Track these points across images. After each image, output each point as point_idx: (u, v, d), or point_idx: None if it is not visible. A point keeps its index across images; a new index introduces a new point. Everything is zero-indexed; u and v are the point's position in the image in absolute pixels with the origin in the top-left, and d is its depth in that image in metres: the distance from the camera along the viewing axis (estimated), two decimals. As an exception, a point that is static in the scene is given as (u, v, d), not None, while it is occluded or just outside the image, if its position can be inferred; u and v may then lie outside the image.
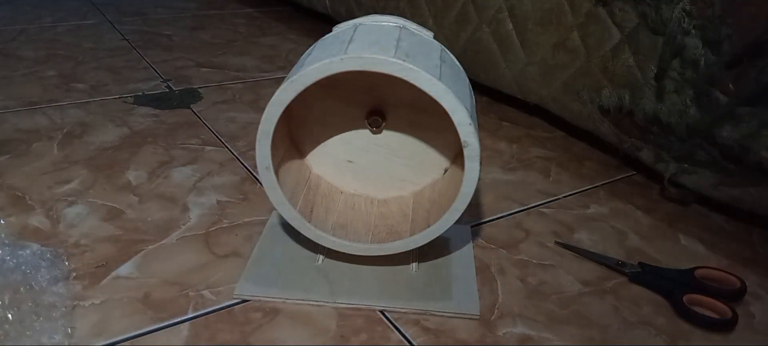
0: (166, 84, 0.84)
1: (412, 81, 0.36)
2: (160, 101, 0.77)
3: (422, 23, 0.79)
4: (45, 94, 0.78)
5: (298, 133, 0.47)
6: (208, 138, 0.67)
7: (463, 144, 0.38)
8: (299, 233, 0.43)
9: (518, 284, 0.45)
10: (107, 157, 0.62)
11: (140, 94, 0.80)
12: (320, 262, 0.45)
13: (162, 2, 1.37)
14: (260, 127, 0.39)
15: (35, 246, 0.45)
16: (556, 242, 0.50)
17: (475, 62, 0.74)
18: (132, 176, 0.58)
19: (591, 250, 0.49)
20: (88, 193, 0.55)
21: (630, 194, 0.60)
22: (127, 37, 1.07)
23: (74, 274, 0.44)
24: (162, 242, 0.48)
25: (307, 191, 0.46)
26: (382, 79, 0.43)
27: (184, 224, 0.50)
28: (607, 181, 0.62)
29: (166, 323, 0.39)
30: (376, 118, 0.46)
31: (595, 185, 0.61)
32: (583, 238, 0.51)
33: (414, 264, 0.45)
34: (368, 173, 0.49)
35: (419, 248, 0.43)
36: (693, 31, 0.49)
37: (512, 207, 0.56)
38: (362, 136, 0.48)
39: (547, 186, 0.60)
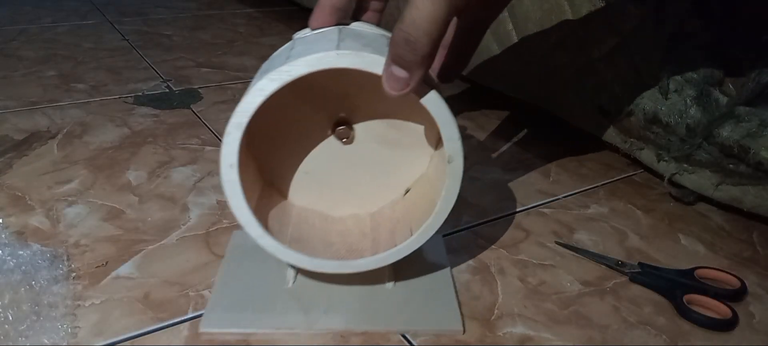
0: (166, 84, 0.84)
1: None
2: (160, 101, 0.77)
3: (422, 23, 0.79)
4: (45, 94, 0.78)
5: (254, 134, 0.42)
6: (208, 138, 0.67)
7: (447, 159, 0.36)
8: (263, 255, 0.39)
9: (518, 284, 0.45)
10: (107, 157, 0.62)
11: (140, 94, 0.80)
12: (291, 285, 0.42)
13: (162, 2, 1.37)
14: (233, 119, 0.35)
15: (35, 246, 0.45)
16: (557, 242, 0.50)
17: (475, 62, 0.74)
18: (132, 175, 0.58)
19: (591, 250, 0.49)
20: (88, 193, 0.55)
21: (630, 194, 0.60)
22: (127, 37, 1.07)
23: (74, 274, 0.44)
24: (162, 242, 0.48)
25: (259, 197, 0.42)
26: (356, 88, 0.40)
27: (184, 224, 0.50)
28: (607, 181, 0.62)
29: (166, 323, 0.39)
30: (345, 128, 0.43)
31: (595, 185, 0.61)
32: (583, 238, 0.51)
33: (390, 283, 0.43)
34: (324, 187, 0.45)
35: (393, 265, 0.41)
36: (693, 31, 0.49)
37: (512, 207, 0.56)
38: (324, 146, 0.44)
39: (547, 186, 0.60)
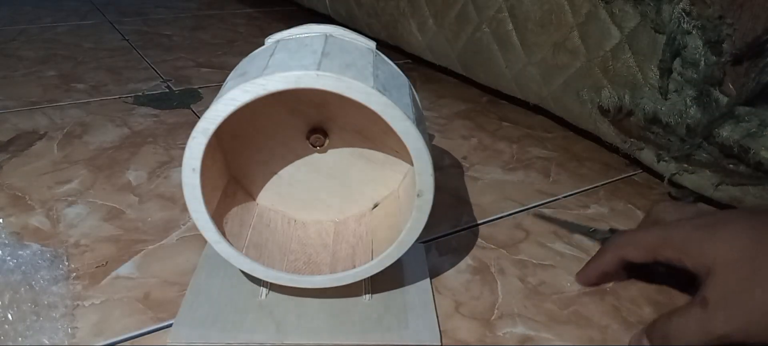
0: (166, 84, 0.84)
1: (387, 119, 0.33)
2: (160, 101, 0.77)
3: (422, 23, 0.79)
4: (45, 94, 0.78)
5: (225, 128, 0.41)
6: (208, 138, 0.67)
7: (417, 193, 0.36)
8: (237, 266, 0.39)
9: (518, 284, 0.45)
10: (107, 157, 0.62)
11: (140, 94, 0.80)
12: (263, 297, 0.41)
13: (162, 2, 1.37)
14: (200, 123, 0.34)
15: (35, 246, 0.45)
16: (534, 214, 0.52)
17: (475, 62, 0.74)
18: (132, 175, 0.58)
19: (564, 219, 0.52)
20: (88, 193, 0.55)
21: (630, 194, 0.60)
22: (127, 37, 1.07)
23: (74, 274, 0.44)
24: (162, 242, 0.48)
25: (223, 196, 0.41)
26: (335, 98, 0.38)
27: (184, 224, 0.50)
28: (607, 181, 0.62)
29: (166, 323, 0.39)
30: (319, 136, 0.43)
31: (595, 185, 0.61)
32: (583, 238, 0.51)
33: (366, 296, 0.41)
34: (291, 189, 0.44)
35: (371, 277, 0.40)
36: (693, 32, 0.49)
37: (512, 207, 0.56)
38: (297, 150, 0.44)
39: (547, 186, 0.60)
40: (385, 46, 0.98)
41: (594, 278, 0.44)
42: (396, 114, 0.33)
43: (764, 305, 0.32)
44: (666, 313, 0.37)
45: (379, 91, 0.33)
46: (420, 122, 0.37)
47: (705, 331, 0.34)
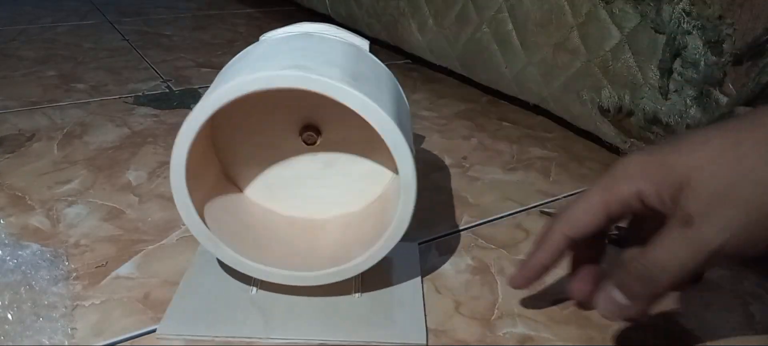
0: (166, 84, 0.84)
1: (364, 115, 0.34)
2: (160, 101, 0.77)
3: (423, 23, 0.79)
4: (45, 94, 0.78)
5: (214, 124, 0.40)
6: (208, 138, 0.67)
7: (401, 181, 0.36)
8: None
9: (518, 284, 0.45)
10: (107, 157, 0.62)
11: (140, 94, 0.80)
12: (253, 293, 0.41)
13: (162, 2, 1.37)
14: (188, 119, 0.34)
15: (35, 246, 0.45)
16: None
17: (476, 62, 0.74)
18: (132, 175, 0.58)
19: None
20: (88, 193, 0.55)
21: (630, 194, 0.59)
22: (127, 37, 1.07)
23: (74, 274, 0.44)
24: (162, 242, 0.48)
25: (212, 191, 0.41)
26: (329, 100, 0.38)
27: (183, 224, 0.50)
28: (607, 181, 0.62)
29: (166, 323, 0.39)
30: (311, 133, 0.43)
31: (595, 185, 0.61)
32: (583, 238, 0.51)
33: (356, 294, 0.42)
34: (282, 185, 0.45)
35: (362, 275, 0.40)
36: (693, 31, 0.49)
37: (512, 207, 0.56)
38: (287, 146, 0.44)
39: (547, 186, 0.60)
40: (385, 46, 0.98)
41: (532, 273, 0.36)
42: (379, 116, 0.34)
43: (758, 198, 0.27)
44: (633, 253, 0.31)
45: (359, 89, 0.33)
46: (403, 120, 0.37)
47: (696, 250, 0.28)
